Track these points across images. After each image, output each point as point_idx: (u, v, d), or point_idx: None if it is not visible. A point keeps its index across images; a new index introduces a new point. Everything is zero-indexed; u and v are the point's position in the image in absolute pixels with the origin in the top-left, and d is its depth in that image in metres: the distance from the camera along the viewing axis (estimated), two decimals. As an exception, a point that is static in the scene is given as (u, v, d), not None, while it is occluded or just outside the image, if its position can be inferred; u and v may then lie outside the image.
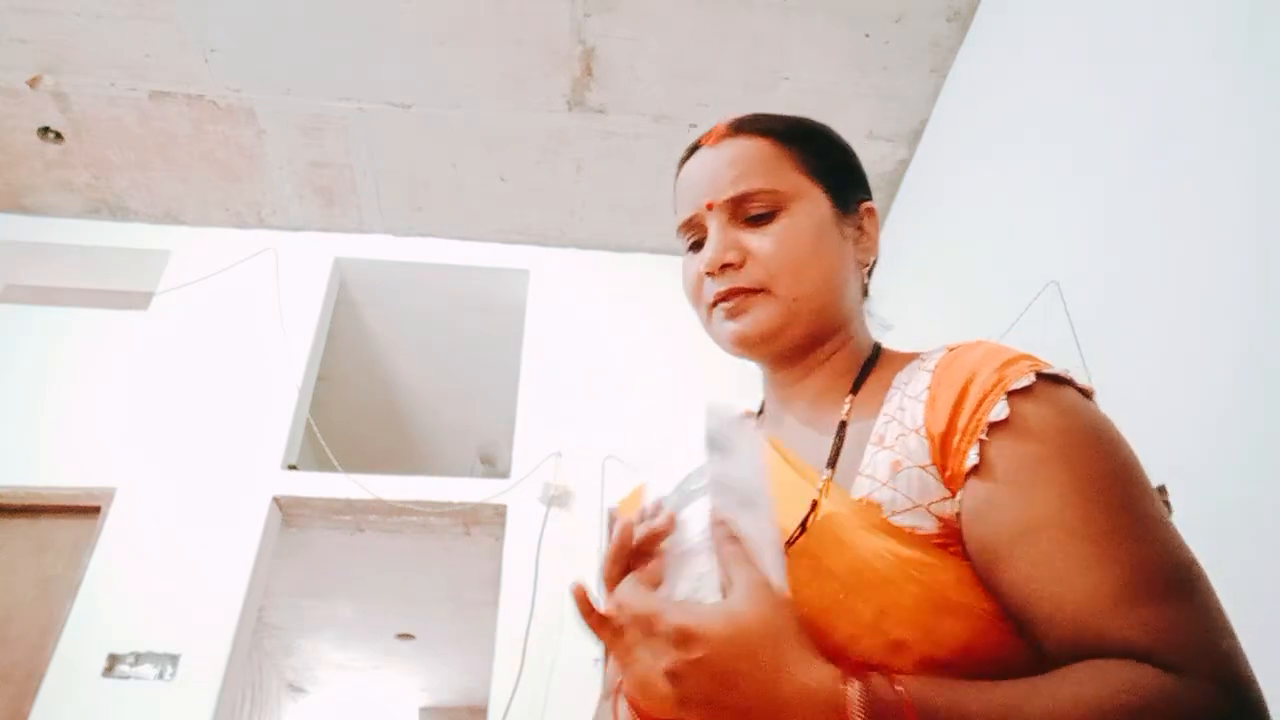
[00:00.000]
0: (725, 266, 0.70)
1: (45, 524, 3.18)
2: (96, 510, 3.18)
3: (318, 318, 3.78)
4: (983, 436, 0.56)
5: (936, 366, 0.64)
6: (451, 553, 4.39)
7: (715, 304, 0.72)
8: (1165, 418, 1.94)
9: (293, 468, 3.44)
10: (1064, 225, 2.41)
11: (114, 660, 2.86)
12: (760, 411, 0.82)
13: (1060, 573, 0.51)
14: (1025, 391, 0.57)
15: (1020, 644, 0.53)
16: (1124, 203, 2.14)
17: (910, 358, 0.70)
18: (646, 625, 0.52)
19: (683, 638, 0.49)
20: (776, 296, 0.69)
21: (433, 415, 5.05)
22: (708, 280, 0.72)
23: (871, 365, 0.72)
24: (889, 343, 0.80)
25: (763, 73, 3.28)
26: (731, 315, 0.71)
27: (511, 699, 2.93)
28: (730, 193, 0.71)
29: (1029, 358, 0.60)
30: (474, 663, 5.85)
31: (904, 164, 3.61)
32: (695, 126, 3.50)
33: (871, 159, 3.59)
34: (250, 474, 3.32)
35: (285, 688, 6.30)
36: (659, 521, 0.56)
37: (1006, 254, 2.75)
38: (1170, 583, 0.51)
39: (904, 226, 3.70)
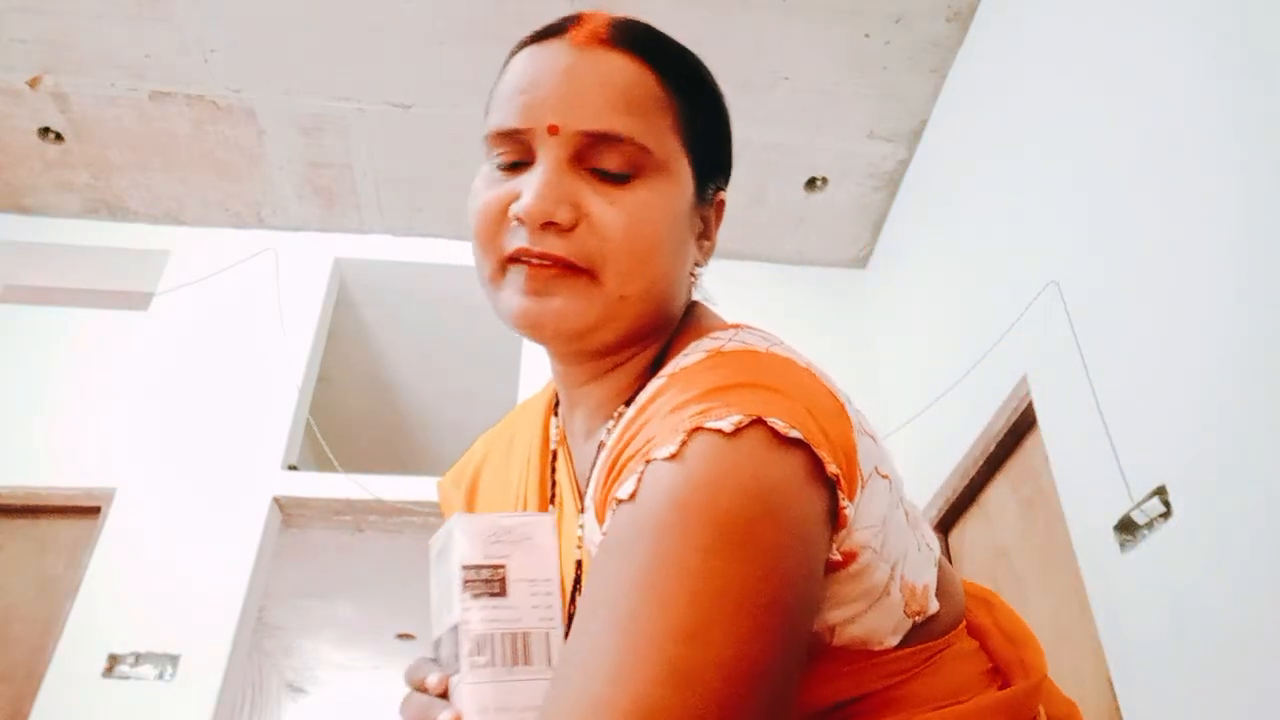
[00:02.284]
0: (550, 224, 0.51)
1: (45, 524, 3.18)
2: (96, 510, 3.18)
3: (318, 318, 3.78)
4: (611, 508, 0.45)
5: (632, 411, 0.51)
6: (451, 553, 4.38)
7: (514, 261, 0.53)
8: (1165, 417, 1.94)
9: (293, 468, 3.44)
10: (1064, 225, 2.41)
11: (114, 660, 2.86)
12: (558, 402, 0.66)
13: (560, 676, 0.40)
14: (670, 457, 0.43)
15: None
16: (1123, 203, 2.14)
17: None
18: None
19: None
20: (599, 290, 0.52)
21: (433, 415, 5.05)
22: (515, 224, 0.53)
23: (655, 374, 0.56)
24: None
25: (763, 73, 3.28)
26: (533, 290, 0.52)
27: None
28: (590, 124, 0.52)
29: (711, 393, 0.45)
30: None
31: (904, 164, 3.61)
32: (695, 126, 3.50)
33: (871, 159, 3.59)
34: (250, 474, 3.32)
35: (285, 688, 6.30)
36: (432, 686, 0.47)
37: (1006, 254, 2.75)
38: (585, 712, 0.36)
39: (904, 226, 3.71)
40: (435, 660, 0.49)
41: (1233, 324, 1.75)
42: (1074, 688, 2.34)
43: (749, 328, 0.56)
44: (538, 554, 0.48)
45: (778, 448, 0.42)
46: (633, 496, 0.42)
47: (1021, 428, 2.66)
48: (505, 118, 0.55)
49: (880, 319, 3.88)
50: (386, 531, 3.56)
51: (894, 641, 0.50)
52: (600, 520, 0.48)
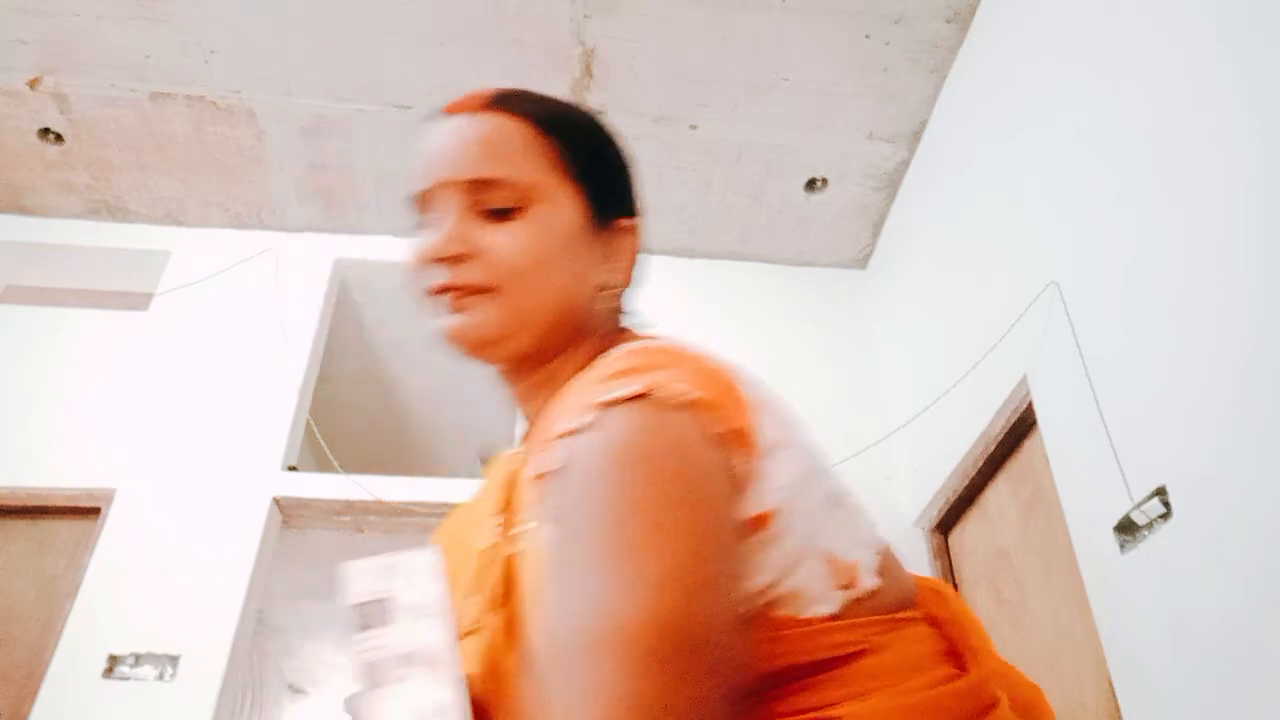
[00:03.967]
0: (451, 258, 0.62)
1: (45, 524, 3.18)
2: (96, 511, 3.18)
3: (318, 318, 3.78)
4: (540, 484, 0.52)
5: (551, 407, 0.58)
6: (451, 553, 4.38)
7: (434, 291, 0.64)
8: (1165, 418, 1.94)
9: (293, 469, 3.44)
10: (1064, 225, 2.41)
11: (114, 660, 2.86)
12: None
13: (533, 614, 0.48)
14: (570, 432, 0.50)
15: None
16: (1124, 203, 2.14)
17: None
18: None
19: None
20: (504, 300, 0.62)
21: (433, 415, 5.05)
22: (430, 267, 0.63)
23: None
24: None
25: (763, 73, 3.28)
26: (453, 309, 0.63)
27: (511, 699, 2.92)
28: (470, 174, 0.63)
29: (611, 377, 0.52)
30: (474, 663, 5.84)
31: (904, 164, 3.61)
32: (695, 127, 3.50)
33: (871, 159, 3.59)
34: (250, 475, 3.32)
35: (285, 688, 6.30)
36: None
37: (1006, 254, 2.75)
38: (594, 644, 0.42)
39: (904, 227, 3.71)
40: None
41: (1233, 324, 1.75)
42: (1074, 688, 2.34)
43: (663, 337, 0.63)
44: (418, 583, 0.54)
45: (672, 410, 0.49)
46: (560, 470, 0.49)
47: (1021, 428, 2.66)
48: (416, 181, 0.66)
49: (880, 319, 3.88)
50: (386, 532, 3.56)
51: (824, 610, 0.52)
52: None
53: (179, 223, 3.95)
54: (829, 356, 3.84)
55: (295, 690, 6.65)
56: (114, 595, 2.99)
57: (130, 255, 3.92)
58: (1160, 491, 1.92)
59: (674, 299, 3.96)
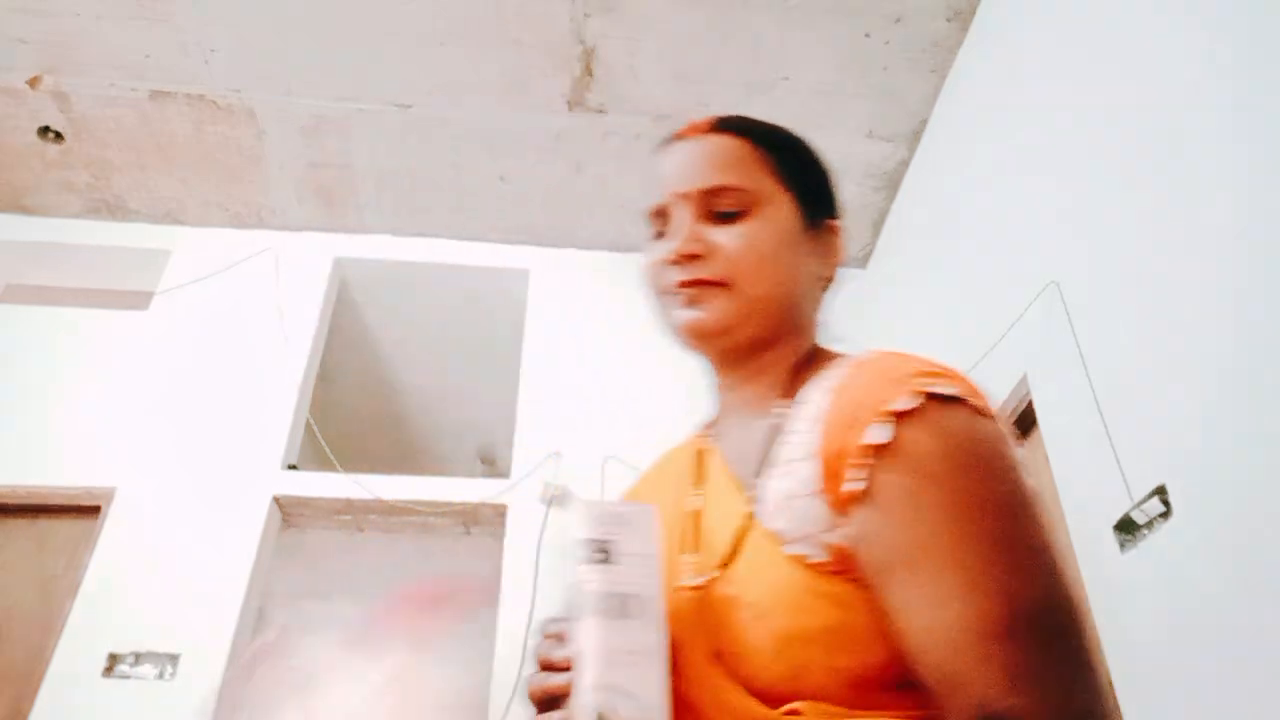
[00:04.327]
0: (689, 257, 0.70)
1: (45, 524, 3.18)
2: (96, 510, 3.18)
3: (318, 318, 3.78)
4: (867, 460, 0.55)
5: (835, 386, 0.62)
6: (451, 553, 4.38)
7: (672, 290, 0.71)
8: (1165, 418, 1.94)
9: (293, 468, 3.44)
10: (1064, 225, 2.41)
11: (114, 660, 2.86)
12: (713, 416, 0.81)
13: (928, 604, 0.51)
14: (910, 414, 0.55)
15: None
16: (1123, 203, 2.14)
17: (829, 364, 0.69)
18: None
19: None
20: (736, 292, 0.69)
21: (433, 415, 5.05)
22: (667, 269, 0.71)
23: (805, 372, 0.70)
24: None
25: (763, 73, 3.28)
26: (689, 304, 0.70)
27: (511, 699, 2.93)
28: (701, 185, 0.72)
29: (924, 373, 0.58)
30: (474, 662, 5.85)
31: (904, 164, 3.61)
32: (695, 126, 3.50)
33: (871, 159, 3.59)
34: (250, 474, 3.32)
35: (285, 688, 6.30)
36: (555, 657, 0.58)
37: (1006, 254, 2.75)
38: (1035, 624, 0.49)
39: (904, 226, 3.71)
40: (559, 619, 0.61)
41: (1233, 324, 1.75)
42: (1074, 688, 2.33)
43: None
44: (641, 534, 0.59)
45: (989, 417, 0.58)
46: (891, 445, 0.54)
47: (1021, 427, 2.66)
48: (653, 198, 0.75)
49: (880, 319, 3.88)
50: (386, 531, 3.56)
51: None
52: (835, 464, 0.57)
53: (179, 222, 3.95)
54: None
55: (295, 689, 6.63)
56: (114, 594, 2.99)
57: (130, 255, 3.92)
58: (1160, 491, 1.92)
59: (674, 299, 3.97)
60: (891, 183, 3.70)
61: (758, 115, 0.79)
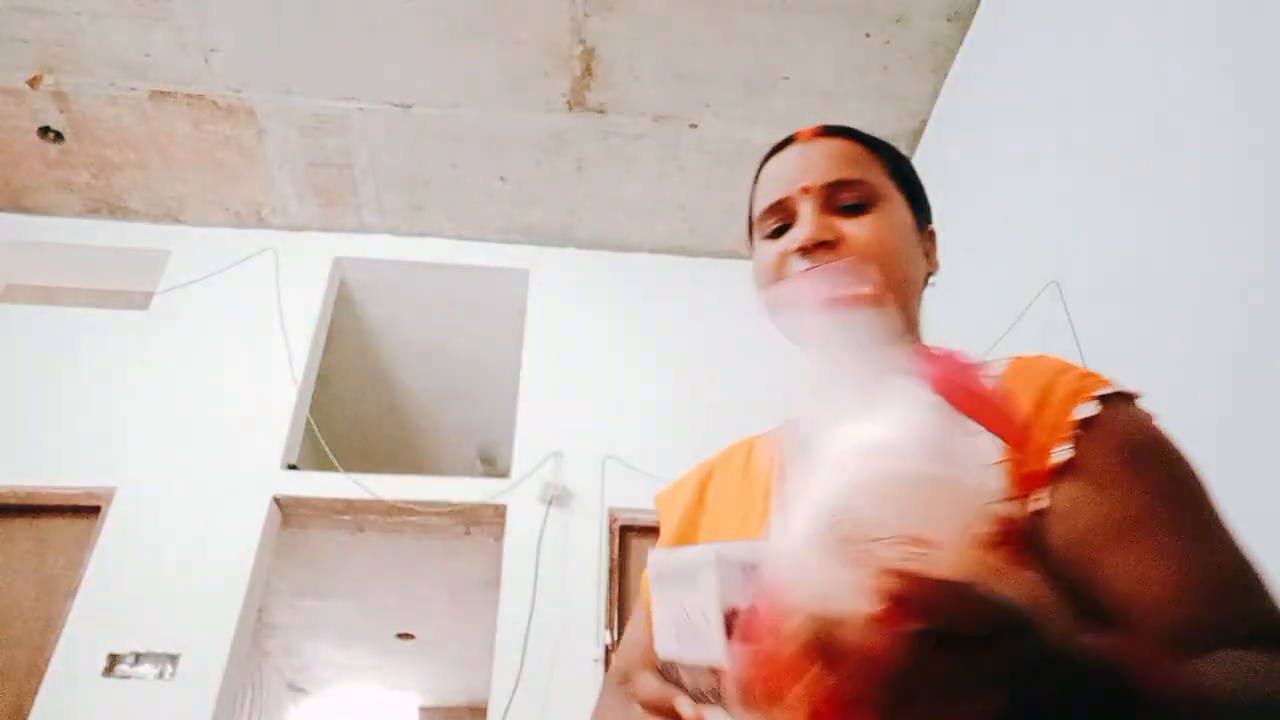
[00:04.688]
0: (820, 245, 0.71)
1: (45, 524, 3.18)
2: (96, 510, 3.18)
3: (318, 318, 3.78)
4: (1076, 432, 0.58)
5: (1005, 372, 0.65)
6: (451, 553, 4.39)
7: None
8: (1164, 417, 1.93)
9: (293, 468, 3.44)
10: (1064, 224, 2.41)
11: (114, 660, 2.86)
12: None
13: (1168, 565, 0.54)
14: (1111, 398, 0.60)
15: None
16: (1124, 202, 2.14)
17: None
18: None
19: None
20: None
21: (432, 415, 5.05)
22: (793, 259, 0.72)
23: None
24: None
25: (763, 73, 3.28)
26: None
27: (511, 699, 2.93)
28: (827, 178, 0.73)
29: (1094, 377, 0.63)
30: (474, 662, 5.85)
31: (904, 164, 3.61)
32: (695, 127, 3.50)
33: (871, 159, 3.59)
34: (250, 474, 3.32)
35: (285, 688, 6.30)
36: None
37: (1006, 253, 2.75)
38: (1256, 576, 0.55)
39: (904, 226, 3.70)
40: (672, 683, 0.53)
41: (1233, 324, 1.75)
42: (1074, 687, 2.34)
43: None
44: (705, 590, 0.49)
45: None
46: (1100, 418, 0.59)
47: (1021, 428, 2.65)
48: (769, 196, 0.77)
49: (880, 319, 3.88)
50: (386, 531, 3.56)
51: None
52: (1023, 438, 0.59)
53: (179, 222, 3.95)
54: (829, 356, 3.83)
55: (295, 690, 6.65)
56: (114, 594, 2.99)
57: (130, 254, 3.92)
58: (1160, 491, 1.91)
59: (674, 298, 3.97)
60: (891, 183, 3.70)
61: (757, 115, 0.81)
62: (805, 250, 0.71)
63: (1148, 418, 0.62)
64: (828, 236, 0.71)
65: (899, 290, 0.73)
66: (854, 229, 0.71)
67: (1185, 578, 0.53)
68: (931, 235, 0.81)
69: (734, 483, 0.81)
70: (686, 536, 0.79)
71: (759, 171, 0.82)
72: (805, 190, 0.73)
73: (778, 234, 0.75)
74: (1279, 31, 1.67)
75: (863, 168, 0.75)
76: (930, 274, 0.80)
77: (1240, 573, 0.54)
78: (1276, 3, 1.68)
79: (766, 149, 0.83)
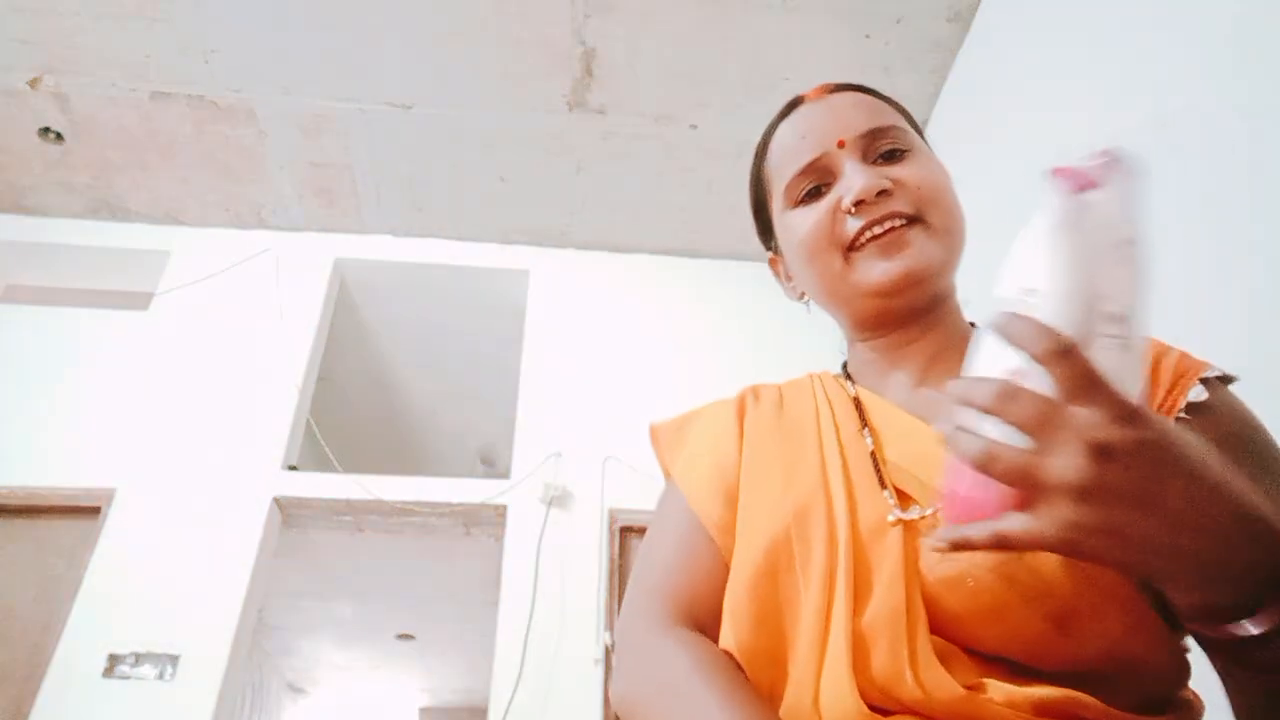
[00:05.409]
0: (880, 194, 0.66)
1: (45, 524, 3.18)
2: (96, 510, 3.18)
3: (318, 318, 3.78)
4: (1182, 415, 0.59)
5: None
6: (451, 553, 4.38)
7: (860, 244, 0.67)
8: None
9: (293, 468, 3.44)
10: (1064, 225, 2.41)
11: (114, 660, 2.86)
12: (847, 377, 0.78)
13: None
14: (1212, 381, 0.61)
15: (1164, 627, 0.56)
16: (1124, 203, 2.14)
17: None
18: (1082, 389, 0.43)
19: (1129, 413, 0.42)
20: (932, 228, 0.67)
21: (433, 415, 5.05)
22: (848, 218, 0.67)
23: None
24: None
25: (763, 73, 3.28)
26: (886, 252, 0.66)
27: (511, 699, 2.93)
28: (865, 127, 0.70)
29: (1196, 358, 0.64)
30: (474, 663, 5.85)
31: (904, 164, 3.61)
32: (695, 127, 3.50)
33: (871, 159, 3.59)
34: (250, 474, 3.32)
35: (285, 688, 6.30)
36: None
37: (1006, 254, 2.74)
38: None
39: (904, 227, 3.70)
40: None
41: (1233, 324, 1.75)
42: (1074, 688, 2.33)
43: None
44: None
45: None
46: (1213, 404, 0.60)
47: (1021, 428, 2.65)
48: (799, 158, 0.72)
49: (880, 319, 3.88)
50: (386, 531, 3.56)
51: None
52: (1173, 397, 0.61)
53: (179, 222, 3.95)
54: (831, 356, 3.83)
55: (295, 690, 6.64)
56: (114, 595, 2.99)
57: (130, 255, 3.92)
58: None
59: (674, 298, 3.97)
60: (891, 183, 3.70)
61: (758, 115, 0.80)
62: (862, 203, 0.66)
63: (1243, 402, 0.62)
64: (884, 184, 0.67)
65: (960, 236, 0.69)
66: (904, 173, 0.68)
67: None
68: None
69: (769, 421, 0.75)
70: (727, 456, 0.73)
71: (768, 142, 0.78)
72: (842, 144, 0.70)
73: (811, 196, 0.71)
74: (1278, 31, 1.67)
75: (890, 115, 0.73)
76: None
77: None
78: (1277, 3, 1.68)
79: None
